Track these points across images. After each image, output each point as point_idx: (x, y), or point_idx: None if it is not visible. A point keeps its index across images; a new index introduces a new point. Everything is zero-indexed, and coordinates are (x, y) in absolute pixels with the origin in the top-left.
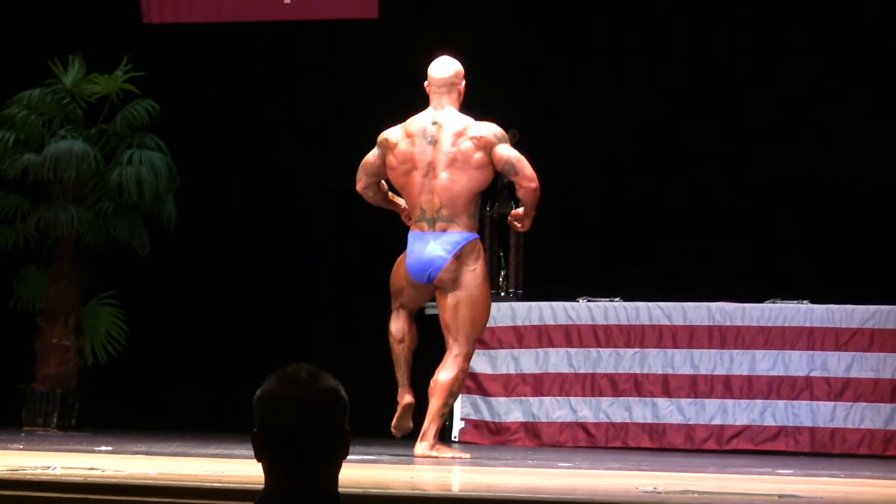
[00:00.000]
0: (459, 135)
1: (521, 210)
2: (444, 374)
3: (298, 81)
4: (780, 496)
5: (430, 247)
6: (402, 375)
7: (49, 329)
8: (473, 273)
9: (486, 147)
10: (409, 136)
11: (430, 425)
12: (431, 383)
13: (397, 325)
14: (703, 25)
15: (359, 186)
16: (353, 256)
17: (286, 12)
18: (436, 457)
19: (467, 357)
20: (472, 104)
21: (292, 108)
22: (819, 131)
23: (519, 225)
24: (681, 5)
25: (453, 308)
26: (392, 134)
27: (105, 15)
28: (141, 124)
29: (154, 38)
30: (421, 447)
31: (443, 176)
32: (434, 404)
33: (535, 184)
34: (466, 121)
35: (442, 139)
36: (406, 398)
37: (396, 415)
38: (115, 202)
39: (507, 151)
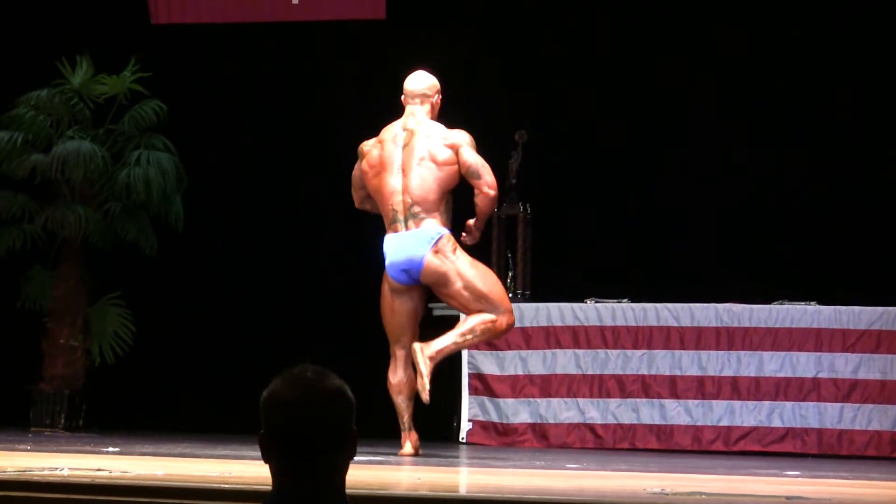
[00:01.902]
0: (429, 136)
1: (471, 221)
2: (483, 315)
3: (306, 82)
4: (788, 498)
5: (406, 243)
6: (402, 421)
7: (56, 329)
8: (460, 259)
9: (454, 147)
10: (381, 142)
11: (441, 341)
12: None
13: (395, 375)
14: (705, 25)
15: (355, 203)
16: (358, 257)
17: (293, 13)
18: (419, 362)
19: (507, 322)
20: (479, 104)
21: (300, 109)
22: (827, 131)
23: (467, 237)
24: (682, 4)
25: (461, 291)
26: (367, 143)
27: (113, 15)
28: (149, 125)
29: (162, 39)
30: (419, 346)
31: (413, 175)
32: (456, 329)
33: (494, 192)
34: (437, 125)
35: (412, 143)
36: (406, 446)
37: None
38: (123, 202)
39: (472, 156)
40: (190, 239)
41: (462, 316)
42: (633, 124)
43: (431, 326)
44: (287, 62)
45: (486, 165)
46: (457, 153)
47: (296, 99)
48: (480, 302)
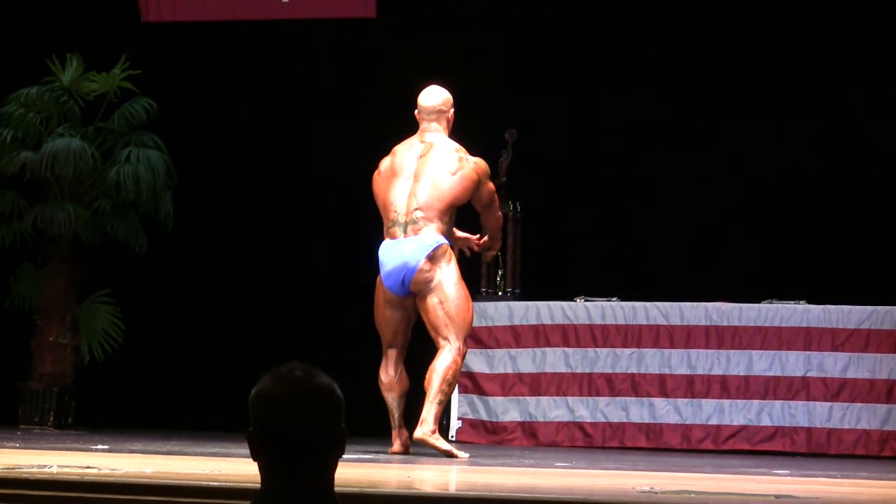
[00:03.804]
0: (455, 151)
1: (487, 237)
2: (440, 362)
3: (296, 80)
4: (777, 496)
5: (403, 249)
6: (393, 419)
7: (46, 327)
8: (448, 273)
9: (477, 171)
10: (394, 153)
11: (428, 412)
12: (427, 375)
13: (386, 373)
14: (701, 27)
15: None
16: (350, 255)
17: (284, 11)
18: (433, 444)
19: (461, 351)
20: (471, 106)
21: (290, 107)
22: (816, 132)
23: (492, 251)
24: (677, 7)
25: (436, 307)
26: (384, 158)
27: (103, 13)
28: (139, 122)
29: (152, 37)
30: (420, 431)
31: (425, 181)
32: (431, 391)
33: (501, 214)
34: (458, 146)
35: (430, 154)
36: (396, 444)
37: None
38: (113, 200)
39: (491, 186)
40: (179, 237)
41: (427, 376)
42: (623, 123)
43: (424, 329)
44: (277, 60)
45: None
46: (480, 179)
47: (286, 97)
48: (445, 323)
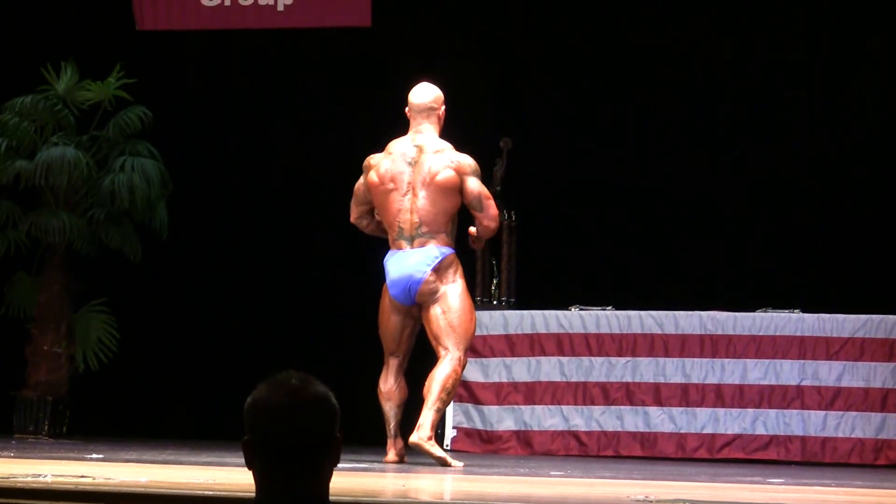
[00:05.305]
0: (439, 158)
1: (473, 230)
2: (440, 371)
3: (291, 89)
4: None
5: (410, 261)
6: (389, 428)
7: (40, 336)
8: (454, 284)
9: (461, 173)
10: (391, 156)
11: (425, 417)
12: (426, 383)
13: (386, 382)
14: (695, 34)
15: (352, 217)
16: (345, 264)
17: (279, 20)
18: (428, 450)
19: (461, 361)
20: (466, 113)
21: (284, 116)
22: (811, 142)
23: (473, 243)
24: (673, 12)
25: (439, 317)
26: (375, 156)
27: (98, 22)
28: (133, 131)
29: (147, 45)
30: (416, 436)
31: (422, 195)
32: (430, 398)
33: (495, 224)
34: (446, 145)
35: (422, 161)
36: (391, 453)
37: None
38: (107, 209)
39: (478, 186)
40: (174, 245)
41: (427, 383)
42: (618, 131)
43: (424, 339)
44: (272, 69)
45: (490, 197)
46: (462, 180)
47: (280, 106)
48: (447, 333)
